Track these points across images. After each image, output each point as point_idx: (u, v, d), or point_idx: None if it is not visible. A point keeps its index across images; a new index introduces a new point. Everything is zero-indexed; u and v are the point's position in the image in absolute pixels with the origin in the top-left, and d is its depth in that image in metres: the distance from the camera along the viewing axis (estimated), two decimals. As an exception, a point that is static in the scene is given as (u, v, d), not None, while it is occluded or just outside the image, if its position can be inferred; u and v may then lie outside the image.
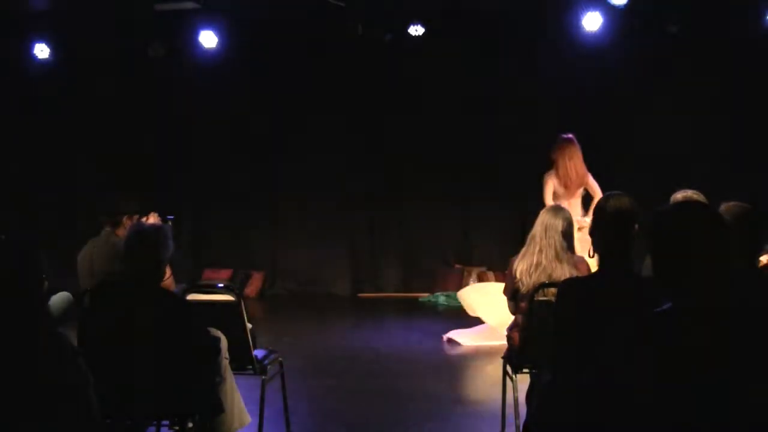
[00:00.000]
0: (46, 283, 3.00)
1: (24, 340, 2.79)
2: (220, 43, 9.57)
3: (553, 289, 4.22)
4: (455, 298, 9.95)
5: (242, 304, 4.58)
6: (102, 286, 4.05)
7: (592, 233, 3.33)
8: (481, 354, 7.19)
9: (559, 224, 4.59)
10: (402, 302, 10.17)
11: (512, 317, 4.92)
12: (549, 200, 7.13)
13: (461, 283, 10.18)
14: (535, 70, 9.75)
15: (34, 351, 2.78)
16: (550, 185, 7.23)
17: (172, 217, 5.50)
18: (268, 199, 10.82)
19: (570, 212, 4.81)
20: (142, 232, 3.79)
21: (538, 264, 4.57)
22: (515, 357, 4.60)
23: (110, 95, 10.53)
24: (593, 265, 4.35)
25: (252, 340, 4.64)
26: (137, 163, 10.48)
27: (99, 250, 5.17)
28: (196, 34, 9.51)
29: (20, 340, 2.79)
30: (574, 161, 7.20)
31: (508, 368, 4.67)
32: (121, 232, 5.10)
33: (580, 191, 7.30)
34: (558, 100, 9.82)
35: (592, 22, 8.82)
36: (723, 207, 3.62)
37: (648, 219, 2.35)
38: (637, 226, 3.26)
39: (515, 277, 4.66)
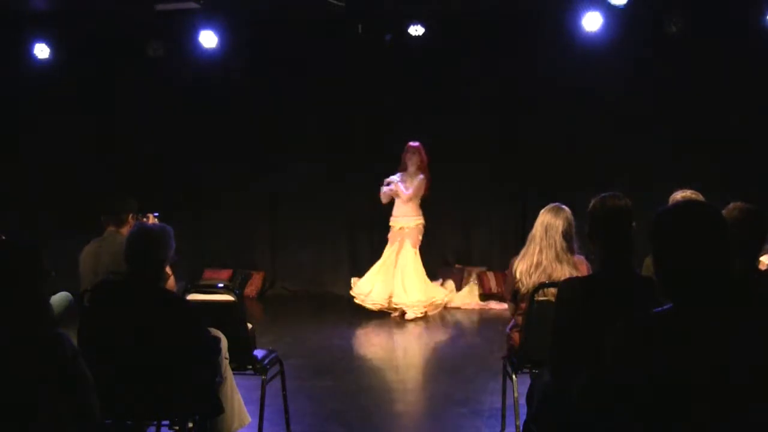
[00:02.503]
0: (47, 282, 3.00)
1: (24, 340, 2.79)
2: (220, 43, 9.57)
3: (553, 289, 4.22)
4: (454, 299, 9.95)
5: (242, 304, 4.58)
6: (102, 286, 4.04)
7: (590, 234, 3.33)
8: (481, 354, 7.18)
9: (559, 224, 4.59)
10: (402, 302, 10.14)
11: None
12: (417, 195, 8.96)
13: (461, 283, 10.18)
14: (535, 70, 9.75)
15: (34, 351, 2.78)
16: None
17: (157, 214, 5.51)
18: (268, 199, 10.81)
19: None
20: (146, 232, 3.78)
21: (538, 264, 4.57)
22: (515, 357, 4.60)
23: (110, 95, 10.52)
24: None
25: (252, 340, 4.64)
26: (137, 163, 10.48)
27: (106, 249, 5.18)
28: (196, 34, 9.50)
29: (20, 340, 2.79)
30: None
31: (508, 368, 4.67)
32: (126, 231, 5.11)
33: None
34: (558, 100, 9.81)
35: (592, 22, 8.82)
36: (725, 208, 3.62)
37: (648, 219, 2.36)
38: (634, 224, 3.27)
39: (515, 278, 4.66)
